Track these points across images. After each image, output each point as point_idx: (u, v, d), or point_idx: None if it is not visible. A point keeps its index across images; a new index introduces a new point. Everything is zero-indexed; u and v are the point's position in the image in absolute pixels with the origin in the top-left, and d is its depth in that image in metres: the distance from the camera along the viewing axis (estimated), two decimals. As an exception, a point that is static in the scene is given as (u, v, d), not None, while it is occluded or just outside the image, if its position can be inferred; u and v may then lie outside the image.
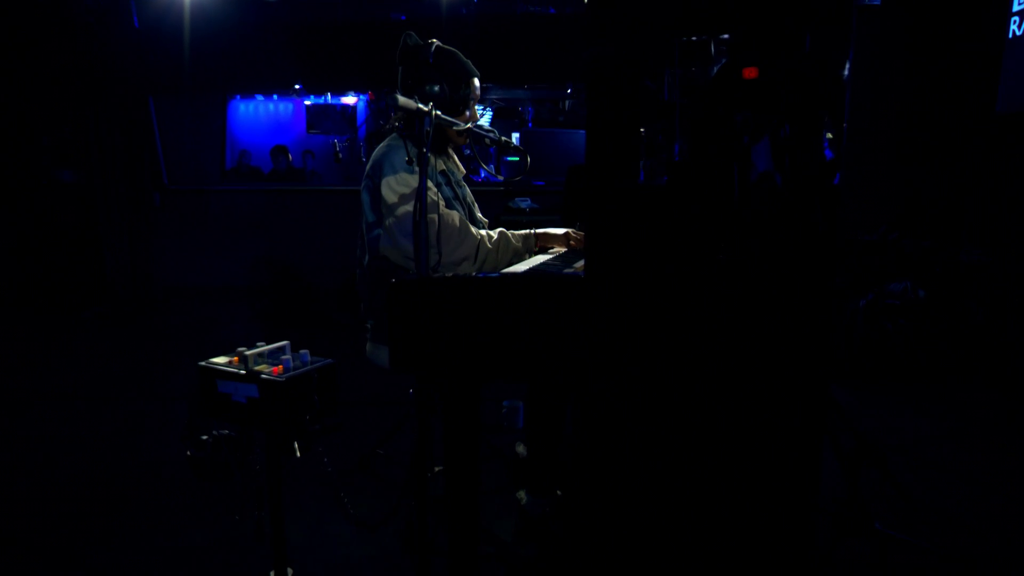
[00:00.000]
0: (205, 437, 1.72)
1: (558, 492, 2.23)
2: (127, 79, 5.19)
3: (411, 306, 1.28)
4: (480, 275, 1.31)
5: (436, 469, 2.41)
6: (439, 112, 1.45)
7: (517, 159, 5.13)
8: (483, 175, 5.77)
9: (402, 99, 1.35)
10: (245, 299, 5.76)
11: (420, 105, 1.38)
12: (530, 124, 8.32)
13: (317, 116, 9.57)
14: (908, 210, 4.85)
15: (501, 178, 2.23)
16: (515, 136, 8.56)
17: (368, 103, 8.71)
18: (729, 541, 1.33)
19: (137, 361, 4.28)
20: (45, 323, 5.25)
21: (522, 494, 2.25)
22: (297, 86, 5.26)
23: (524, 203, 5.08)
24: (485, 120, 8.99)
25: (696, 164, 1.26)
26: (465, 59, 2.14)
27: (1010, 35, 4.36)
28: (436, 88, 2.00)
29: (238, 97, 8.49)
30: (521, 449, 2.60)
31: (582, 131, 5.98)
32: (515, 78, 5.62)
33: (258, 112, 9.43)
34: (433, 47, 2.06)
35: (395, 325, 1.29)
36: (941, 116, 4.78)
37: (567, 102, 8.72)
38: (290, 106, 9.42)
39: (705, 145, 1.27)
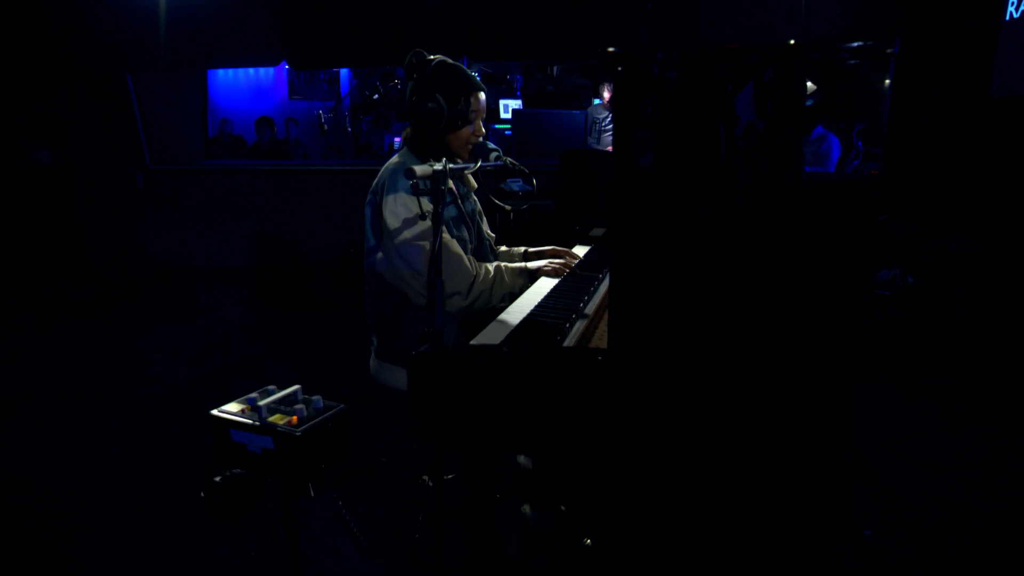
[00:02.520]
0: (218, 479, 1.75)
1: (562, 508, 2.28)
2: (102, 56, 5.00)
3: (428, 379, 1.28)
4: (495, 347, 1.31)
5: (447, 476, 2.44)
6: (451, 165, 1.43)
7: (519, 187, 5.03)
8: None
9: (419, 169, 1.32)
10: (234, 280, 5.70)
11: (436, 167, 1.36)
12: (519, 93, 8.19)
13: (300, 82, 9.31)
14: (897, 192, 4.87)
15: (508, 207, 2.21)
16: (503, 105, 8.44)
17: (352, 71, 8.48)
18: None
19: (128, 352, 4.24)
20: (30, 308, 5.18)
21: (527, 508, 2.30)
22: (283, 61, 5.08)
23: (516, 184, 5.02)
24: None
25: (676, 129, 1.16)
26: (469, 74, 2.10)
27: (1007, 17, 4.33)
28: (431, 105, 1.97)
29: (217, 65, 8.19)
30: (523, 460, 2.65)
31: (574, 111, 5.91)
32: (505, 52, 5.49)
33: (238, 77, 9.15)
34: (433, 62, 2.02)
35: (414, 395, 1.30)
36: (934, 97, 4.76)
37: (555, 68, 8.58)
38: (271, 71, 9.15)
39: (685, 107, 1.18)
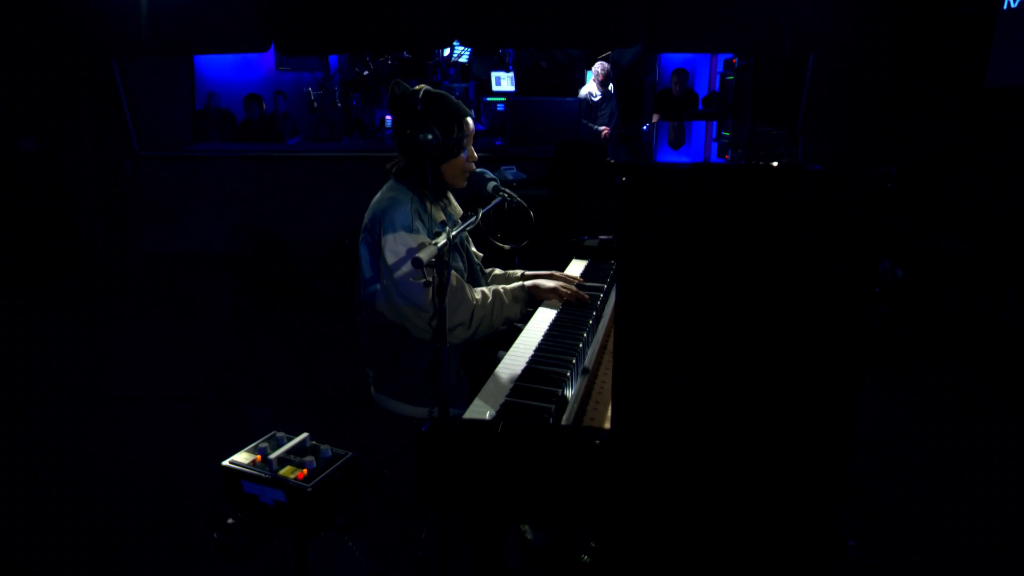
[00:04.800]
0: (231, 521, 1.82)
1: (561, 525, 2.37)
2: (86, 41, 4.87)
3: (431, 455, 1.34)
4: (500, 422, 1.35)
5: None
6: (454, 232, 1.45)
7: (512, 175, 4.96)
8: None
9: (425, 256, 1.33)
10: (226, 267, 5.69)
11: (440, 243, 1.37)
12: (511, 67, 8.05)
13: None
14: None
15: (507, 247, 2.21)
16: (495, 78, 8.30)
17: (341, 45, 8.30)
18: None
19: (125, 349, 4.26)
20: (23, 299, 5.17)
21: (526, 526, 2.39)
22: (271, 46, 4.95)
23: (510, 172, 5.01)
24: (464, 57, 8.65)
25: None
26: (455, 100, 2.09)
27: (1005, 6, 4.28)
28: (429, 136, 1.97)
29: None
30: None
31: (567, 99, 5.84)
32: (498, 37, 5.38)
33: (223, 48, 8.92)
34: (421, 93, 2.01)
35: (423, 466, 1.36)
36: (930, 85, 4.74)
37: (548, 40, 8.41)
38: (257, 42, 8.91)
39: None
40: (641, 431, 1.23)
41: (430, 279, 1.42)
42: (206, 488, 2.68)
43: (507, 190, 2.16)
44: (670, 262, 1.09)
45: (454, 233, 1.46)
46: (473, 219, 1.74)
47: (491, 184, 2.18)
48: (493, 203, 2.02)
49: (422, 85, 2.07)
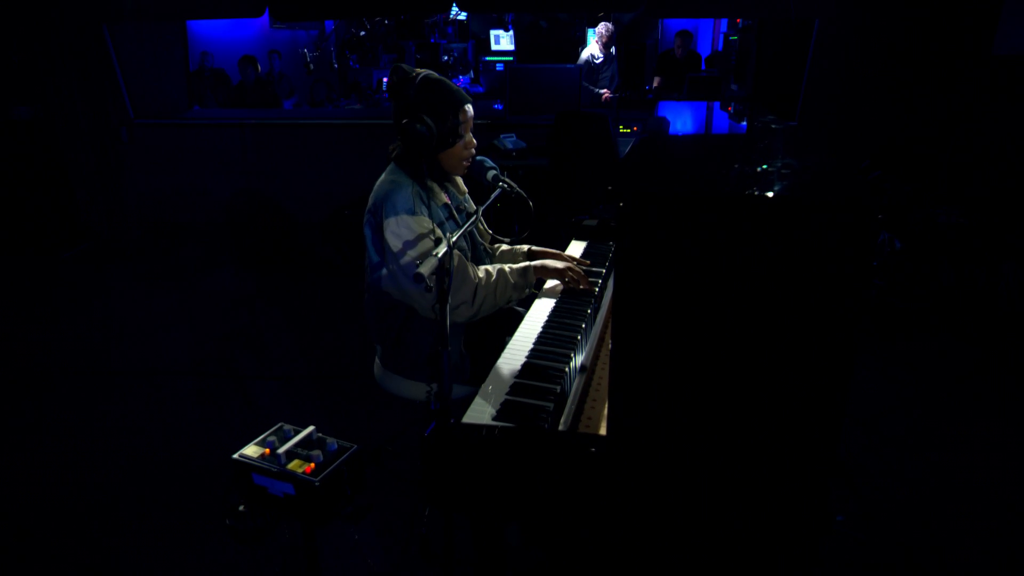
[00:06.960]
0: (241, 508, 1.89)
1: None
2: (75, 6, 4.77)
3: (438, 457, 1.39)
4: (497, 428, 1.40)
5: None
6: (454, 238, 1.46)
7: (512, 143, 4.93)
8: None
9: (425, 269, 1.35)
10: (226, 235, 5.69)
11: (441, 251, 1.39)
12: (510, 26, 7.87)
13: (280, 11, 8.84)
14: (893, 148, 4.85)
15: (507, 240, 2.22)
16: (494, 36, 8.13)
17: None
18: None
19: (131, 321, 4.30)
20: (26, 268, 5.20)
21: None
22: (265, 11, 4.85)
23: (509, 141, 4.96)
24: (463, 15, 8.45)
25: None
26: (454, 87, 2.07)
27: (1017, -31, 4.18)
28: (423, 128, 1.97)
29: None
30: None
31: (568, 65, 5.73)
32: (498, 4, 5.26)
33: (215, 6, 8.69)
34: (418, 79, 2.00)
35: (428, 469, 1.41)
36: (936, 51, 4.65)
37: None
38: (250, -2, 8.68)
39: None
40: (634, 443, 1.28)
41: (432, 286, 1.44)
42: (213, 466, 2.76)
43: (507, 180, 2.17)
44: (667, 285, 1.12)
45: (453, 239, 1.48)
46: (473, 218, 1.75)
47: (491, 173, 2.17)
48: (493, 196, 2.02)
49: (421, 70, 2.05)
